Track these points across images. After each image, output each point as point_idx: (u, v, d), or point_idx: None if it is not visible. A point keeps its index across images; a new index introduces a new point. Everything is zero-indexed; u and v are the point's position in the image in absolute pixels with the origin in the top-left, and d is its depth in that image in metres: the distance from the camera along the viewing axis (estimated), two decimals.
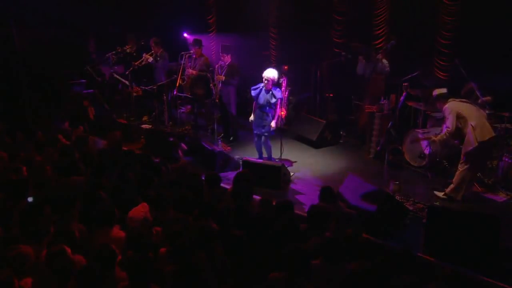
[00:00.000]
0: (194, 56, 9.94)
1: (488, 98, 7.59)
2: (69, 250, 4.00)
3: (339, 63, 10.26)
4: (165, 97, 10.30)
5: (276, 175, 7.61)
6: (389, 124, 8.48)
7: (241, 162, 8.11)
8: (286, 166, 8.08)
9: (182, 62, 10.03)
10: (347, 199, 6.43)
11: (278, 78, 8.12)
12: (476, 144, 6.72)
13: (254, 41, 11.12)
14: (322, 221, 4.81)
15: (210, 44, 12.10)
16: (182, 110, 10.74)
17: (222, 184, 6.16)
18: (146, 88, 10.54)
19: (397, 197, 6.81)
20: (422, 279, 4.04)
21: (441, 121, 7.95)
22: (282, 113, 8.18)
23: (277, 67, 8.48)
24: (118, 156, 6.96)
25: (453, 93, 7.25)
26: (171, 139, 8.61)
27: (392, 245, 5.49)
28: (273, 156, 8.37)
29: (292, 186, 7.78)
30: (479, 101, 7.42)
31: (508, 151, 7.41)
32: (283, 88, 8.30)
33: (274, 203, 5.34)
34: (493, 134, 6.89)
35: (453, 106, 6.92)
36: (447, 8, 8.78)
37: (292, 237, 4.48)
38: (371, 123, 8.86)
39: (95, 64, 11.68)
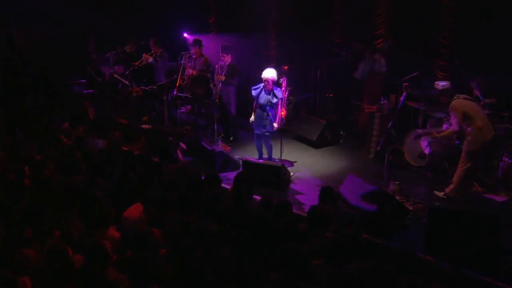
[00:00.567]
0: (194, 56, 9.92)
1: (492, 100, 7.55)
2: (70, 250, 4.00)
3: (339, 63, 10.26)
4: (165, 97, 10.28)
5: (276, 175, 7.61)
6: (389, 124, 8.48)
7: (241, 162, 8.11)
8: (286, 166, 8.08)
9: (182, 62, 10.01)
10: (347, 199, 6.44)
11: (278, 78, 8.12)
12: (481, 144, 6.70)
13: (254, 41, 11.09)
14: (323, 222, 4.81)
15: (210, 44, 12.09)
16: (182, 110, 10.71)
17: (222, 184, 6.16)
18: (146, 88, 10.51)
19: (397, 197, 6.81)
20: (422, 279, 4.04)
21: (441, 121, 7.97)
22: (282, 113, 8.19)
23: (277, 67, 8.47)
24: (118, 156, 6.96)
25: (458, 89, 7.23)
26: (171, 139, 8.61)
27: (392, 245, 5.49)
28: (273, 156, 8.37)
29: (292, 186, 7.78)
30: (481, 103, 7.39)
31: (508, 151, 7.40)
32: (283, 88, 8.30)
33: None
34: (494, 133, 6.88)
35: (459, 106, 6.82)
36: (447, 8, 8.78)
37: (292, 237, 4.48)
38: (371, 123, 8.85)
39: (95, 64, 11.66)
